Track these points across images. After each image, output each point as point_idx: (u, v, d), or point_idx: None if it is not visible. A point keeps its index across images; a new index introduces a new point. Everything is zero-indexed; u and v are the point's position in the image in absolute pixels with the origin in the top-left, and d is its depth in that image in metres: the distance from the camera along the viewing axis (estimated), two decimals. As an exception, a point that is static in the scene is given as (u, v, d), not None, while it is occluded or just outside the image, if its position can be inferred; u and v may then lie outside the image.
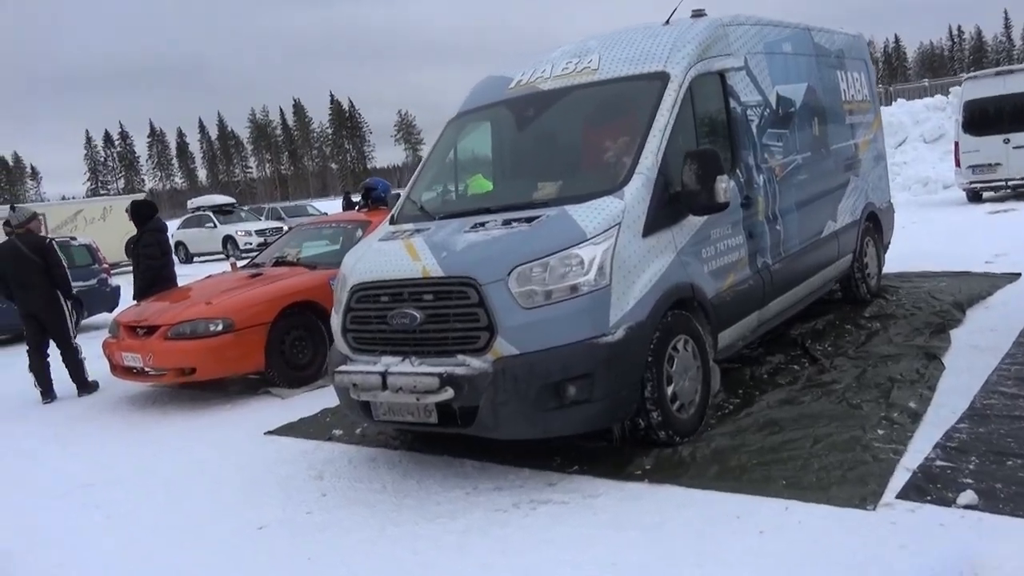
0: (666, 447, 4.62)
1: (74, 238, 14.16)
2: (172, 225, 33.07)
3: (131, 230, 8.62)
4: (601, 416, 4.35)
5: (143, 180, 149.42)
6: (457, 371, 4.22)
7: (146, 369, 7.19)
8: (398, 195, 6.10)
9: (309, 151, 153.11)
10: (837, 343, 6.60)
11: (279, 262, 8.34)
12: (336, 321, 4.94)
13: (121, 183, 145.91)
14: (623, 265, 4.39)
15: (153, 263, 8.31)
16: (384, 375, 4.37)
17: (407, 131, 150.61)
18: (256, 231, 27.13)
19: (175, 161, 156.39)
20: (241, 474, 5.22)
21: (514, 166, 5.76)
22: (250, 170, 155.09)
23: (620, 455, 4.63)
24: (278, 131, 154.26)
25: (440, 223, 4.99)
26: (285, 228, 27.59)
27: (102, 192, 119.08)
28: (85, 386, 8.04)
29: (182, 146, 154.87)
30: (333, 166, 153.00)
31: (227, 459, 5.57)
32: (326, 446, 5.61)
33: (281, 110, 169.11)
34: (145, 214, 8.46)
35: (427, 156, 6.03)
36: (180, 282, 8.78)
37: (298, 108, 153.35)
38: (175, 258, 8.79)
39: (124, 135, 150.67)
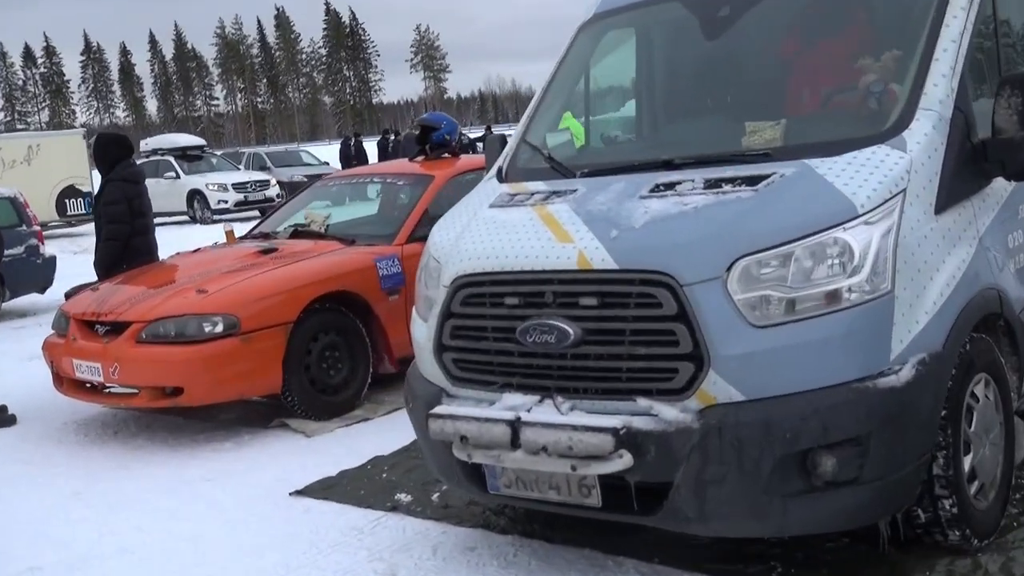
0: (958, 555, 3.95)
1: (-7, 188, 13.80)
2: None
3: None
4: (871, 506, 3.67)
5: (73, 112, 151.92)
6: (638, 425, 3.61)
7: (107, 386, 6.84)
8: (501, 137, 5.45)
9: (295, 79, 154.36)
10: None
11: (298, 232, 7.94)
12: (424, 333, 4.34)
13: (44, 115, 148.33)
14: (912, 260, 3.68)
15: (117, 228, 7.79)
16: (515, 425, 3.74)
17: (428, 55, 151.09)
18: (234, 185, 27.08)
19: (117, 88, 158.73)
20: (265, 563, 4.59)
21: (699, 95, 5.10)
22: (216, 102, 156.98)
23: (883, 565, 3.95)
24: (255, 51, 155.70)
25: (591, 182, 4.36)
26: (273, 182, 27.56)
27: (19, 126, 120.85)
28: None
29: (126, 68, 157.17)
30: (326, 100, 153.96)
31: (238, 534, 5.00)
32: (390, 520, 4.98)
33: (259, 23, 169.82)
34: (113, 156, 7.94)
35: (548, 81, 5.43)
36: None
37: (282, 21, 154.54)
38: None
39: (50, 51, 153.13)
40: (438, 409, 4.05)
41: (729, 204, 3.79)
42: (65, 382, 7.13)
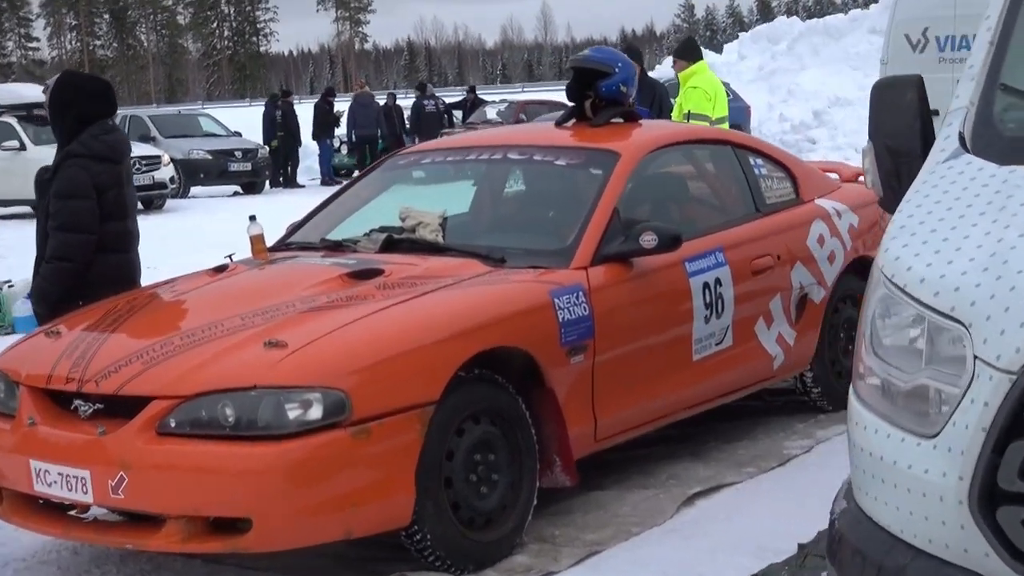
0: None
1: None
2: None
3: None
4: None
5: None
6: None
7: (98, 510, 5.76)
8: (917, 81, 4.55)
9: (152, 15, 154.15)
10: None
11: (393, 240, 6.93)
12: (927, 461, 3.44)
13: None
14: None
15: (75, 241, 6.81)
16: None
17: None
18: (109, 163, 26.01)
19: None
20: None
21: None
22: (35, 45, 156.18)
23: None
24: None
25: None
26: (166, 160, 26.98)
27: None
28: None
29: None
30: (191, 47, 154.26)
31: None
32: None
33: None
34: (82, 111, 6.97)
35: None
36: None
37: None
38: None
39: None
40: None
41: None
42: (10, 499, 5.96)
